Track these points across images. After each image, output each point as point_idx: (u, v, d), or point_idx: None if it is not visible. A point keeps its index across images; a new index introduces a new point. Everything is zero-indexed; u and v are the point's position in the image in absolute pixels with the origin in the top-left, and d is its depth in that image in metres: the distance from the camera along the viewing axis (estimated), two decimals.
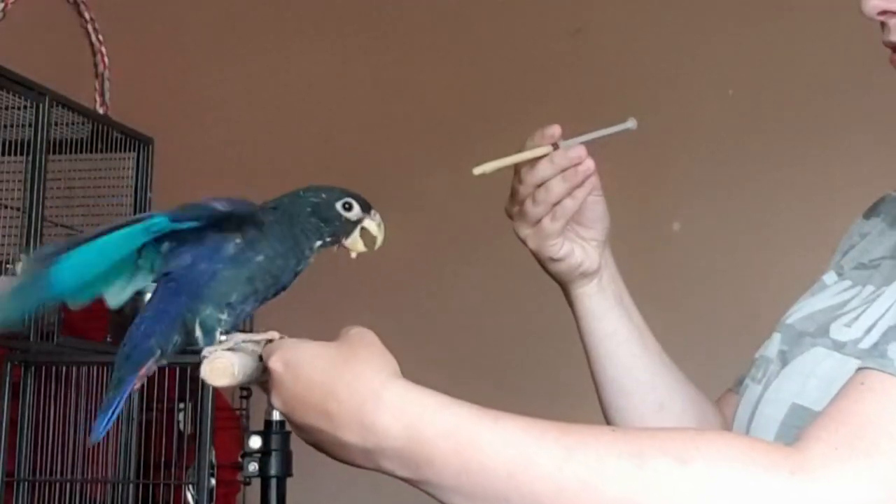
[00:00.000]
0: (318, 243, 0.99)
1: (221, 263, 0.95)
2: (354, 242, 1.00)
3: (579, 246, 1.14)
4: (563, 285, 1.17)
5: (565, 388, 3.17)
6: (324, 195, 0.99)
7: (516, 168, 1.13)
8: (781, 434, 0.90)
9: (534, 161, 1.10)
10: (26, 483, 2.26)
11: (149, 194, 2.60)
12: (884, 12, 0.92)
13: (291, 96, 3.45)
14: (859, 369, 0.75)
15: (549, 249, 1.12)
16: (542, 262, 1.15)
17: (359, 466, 0.83)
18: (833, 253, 1.09)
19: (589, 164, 1.10)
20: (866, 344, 0.87)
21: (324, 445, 0.83)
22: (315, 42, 3.47)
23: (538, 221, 1.11)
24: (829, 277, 1.01)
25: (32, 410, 2.29)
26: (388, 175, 3.34)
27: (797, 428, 0.88)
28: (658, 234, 3.17)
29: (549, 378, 3.11)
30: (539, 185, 1.10)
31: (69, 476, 2.30)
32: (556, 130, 1.11)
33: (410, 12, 3.43)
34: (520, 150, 1.12)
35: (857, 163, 2.77)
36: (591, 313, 1.15)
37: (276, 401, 0.86)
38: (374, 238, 1.00)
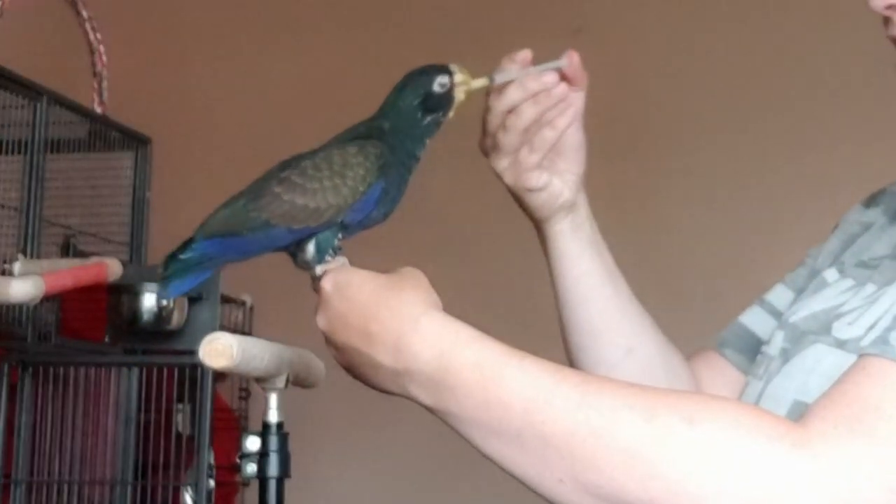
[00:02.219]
0: (436, 132, 1.07)
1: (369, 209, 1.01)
2: (460, 99, 1.08)
3: (557, 177, 1.11)
4: (539, 222, 1.16)
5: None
6: (421, 89, 1.08)
7: (486, 99, 1.11)
8: None
9: (501, 87, 1.09)
10: (23, 484, 2.26)
11: (147, 194, 2.60)
12: (891, 6, 0.92)
13: (290, 96, 3.44)
14: (861, 356, 0.77)
15: (527, 181, 1.10)
16: (519, 196, 1.14)
17: (386, 391, 0.87)
18: (831, 231, 1.10)
19: (563, 87, 1.07)
20: (867, 341, 0.87)
21: (357, 367, 0.88)
22: (314, 42, 3.46)
23: (515, 152, 1.09)
24: (831, 275, 1.02)
25: (30, 411, 2.28)
26: None
27: None
28: (658, 234, 3.17)
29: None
30: (509, 112, 1.08)
31: (67, 477, 2.29)
32: (527, 55, 1.11)
33: (410, 12, 3.43)
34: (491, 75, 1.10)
35: (859, 160, 2.76)
36: (565, 253, 1.15)
37: (320, 319, 0.90)
38: (466, 82, 1.09)
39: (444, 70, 1.08)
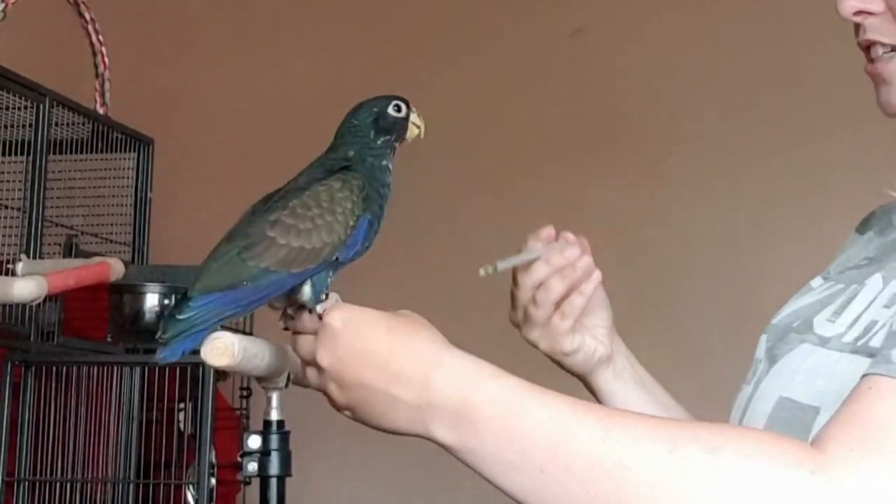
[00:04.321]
0: (392, 155, 1.07)
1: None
2: (412, 133, 1.10)
3: (589, 334, 1.17)
4: (583, 378, 1.20)
5: (567, 385, 3.17)
6: (374, 108, 1.07)
7: (513, 275, 1.17)
8: (770, 427, 0.93)
9: (528, 265, 1.15)
10: (27, 483, 2.27)
11: (149, 194, 2.61)
12: (860, 12, 0.94)
13: (292, 96, 3.45)
14: (866, 375, 0.78)
15: (562, 346, 1.16)
16: (557, 360, 1.18)
17: (397, 431, 0.87)
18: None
19: (587, 260, 1.15)
20: (849, 337, 0.90)
21: (368, 405, 0.88)
22: (315, 42, 3.47)
23: (546, 322, 1.14)
24: (816, 282, 1.04)
25: (33, 410, 2.29)
26: None
27: (784, 420, 0.92)
28: (658, 234, 3.17)
29: (551, 376, 3.11)
30: (538, 287, 1.14)
31: (69, 476, 2.30)
32: (550, 232, 1.18)
33: (410, 13, 3.43)
34: (519, 252, 1.17)
35: (855, 164, 2.77)
36: (613, 397, 1.18)
37: (324, 356, 0.89)
38: (419, 127, 1.10)
39: (399, 98, 1.09)
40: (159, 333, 0.98)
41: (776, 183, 3.09)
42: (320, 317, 0.93)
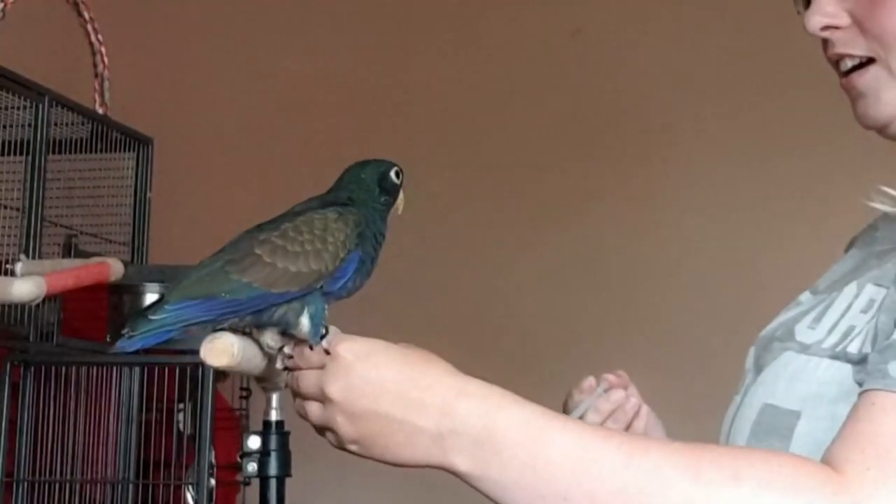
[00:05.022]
0: (387, 216, 1.09)
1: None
2: (401, 204, 1.11)
3: None
4: None
5: (568, 384, 3.17)
6: (381, 168, 1.10)
7: (565, 406, 1.21)
8: (754, 433, 0.94)
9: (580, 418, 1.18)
10: (25, 483, 2.26)
11: (148, 194, 2.61)
12: (827, 27, 0.95)
13: (291, 96, 3.45)
14: (866, 391, 0.79)
15: None
16: None
17: (411, 462, 0.87)
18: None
19: (634, 400, 1.18)
20: (828, 343, 0.91)
21: (382, 436, 0.87)
22: (315, 42, 3.47)
23: None
24: (805, 296, 1.05)
25: (32, 411, 2.29)
26: None
27: (766, 425, 0.93)
28: (657, 233, 3.17)
29: (553, 375, 3.11)
30: None
31: (69, 476, 2.30)
32: (591, 382, 1.19)
33: (410, 13, 3.43)
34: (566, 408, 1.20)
35: (855, 167, 2.77)
36: None
37: (335, 388, 0.89)
38: (402, 202, 1.12)
39: (397, 165, 1.12)
40: (126, 329, 0.99)
41: (776, 184, 3.09)
42: (327, 352, 0.92)
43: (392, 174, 1.10)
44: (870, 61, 0.94)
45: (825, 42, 0.97)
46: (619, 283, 3.15)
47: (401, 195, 1.11)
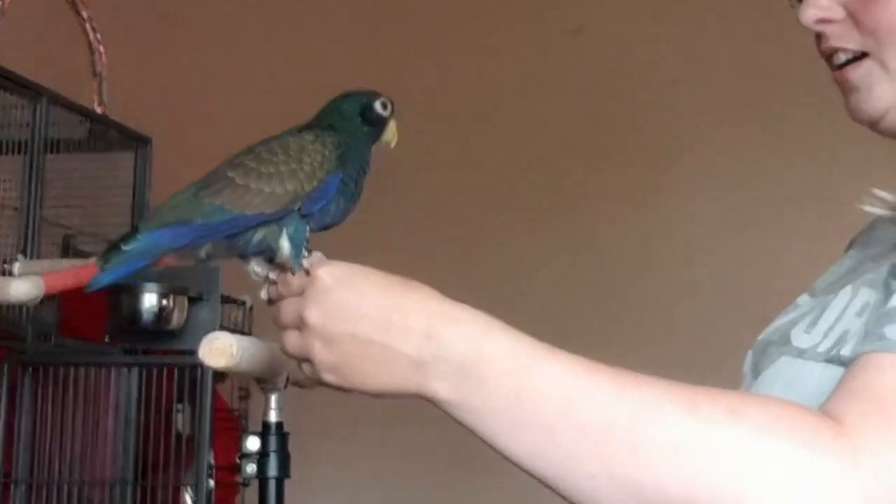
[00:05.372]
0: (372, 148, 1.06)
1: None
2: (388, 135, 1.08)
3: None
4: None
5: None
6: (364, 99, 1.07)
7: None
8: None
9: None
10: (23, 484, 2.26)
11: (147, 193, 2.60)
12: (821, 21, 0.95)
13: (291, 96, 3.44)
14: (861, 354, 0.77)
15: None
16: None
17: (388, 390, 0.83)
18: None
19: None
20: (823, 347, 0.90)
21: (360, 361, 0.84)
22: (315, 42, 3.46)
23: None
24: (803, 299, 1.04)
25: (30, 412, 2.28)
26: (387, 175, 3.32)
27: None
28: (656, 233, 3.17)
29: None
30: None
31: (67, 477, 2.29)
32: None
33: (410, 12, 3.43)
34: None
35: (859, 166, 2.77)
36: None
37: (313, 311, 0.85)
38: (393, 136, 1.09)
39: (383, 96, 1.09)
40: (98, 259, 0.96)
41: (777, 184, 3.09)
42: (307, 272, 0.89)
43: (377, 105, 1.07)
44: (863, 55, 0.94)
45: (818, 36, 0.97)
46: (618, 283, 3.15)
47: (391, 127, 1.08)
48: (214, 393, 2.33)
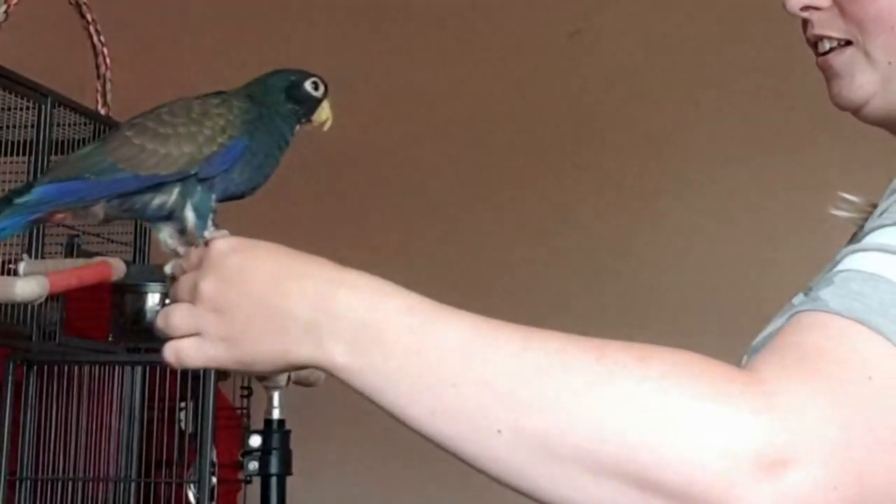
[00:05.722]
0: (297, 126, 1.02)
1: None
2: (319, 116, 1.04)
3: None
4: None
5: None
6: (292, 77, 1.04)
7: None
8: None
9: None
10: (28, 481, 2.28)
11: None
12: (806, 7, 0.95)
13: None
14: (795, 314, 0.76)
15: None
16: None
17: (280, 362, 0.79)
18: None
19: None
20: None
21: (252, 327, 0.80)
22: (314, 43, 3.48)
23: None
24: (798, 299, 1.04)
25: (35, 410, 2.30)
26: (387, 175, 3.35)
27: None
28: (655, 233, 3.18)
29: None
30: None
31: (71, 475, 2.31)
32: None
33: (411, 14, 3.44)
34: None
35: (852, 164, 2.78)
36: None
37: (207, 281, 0.81)
38: (326, 117, 1.04)
39: (320, 78, 1.06)
40: None
41: (774, 185, 3.10)
42: (206, 244, 0.84)
43: (307, 84, 1.04)
44: (847, 43, 0.94)
45: (804, 22, 0.97)
46: (617, 283, 3.16)
47: (324, 108, 1.04)
48: (217, 391, 2.34)
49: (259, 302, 0.79)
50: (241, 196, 0.98)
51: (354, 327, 0.75)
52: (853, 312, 0.71)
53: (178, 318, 0.83)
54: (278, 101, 1.02)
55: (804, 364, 0.70)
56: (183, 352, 0.83)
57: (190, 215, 0.93)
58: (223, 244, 0.83)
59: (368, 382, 0.75)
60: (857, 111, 0.97)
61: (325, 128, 1.05)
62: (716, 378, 0.69)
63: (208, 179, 0.95)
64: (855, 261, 0.77)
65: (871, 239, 0.78)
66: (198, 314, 0.82)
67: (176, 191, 0.94)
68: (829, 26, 0.95)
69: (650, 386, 0.69)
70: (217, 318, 0.81)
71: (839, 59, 0.95)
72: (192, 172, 0.94)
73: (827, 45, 0.96)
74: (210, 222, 0.93)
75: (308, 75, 1.05)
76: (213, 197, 0.95)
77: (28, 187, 0.94)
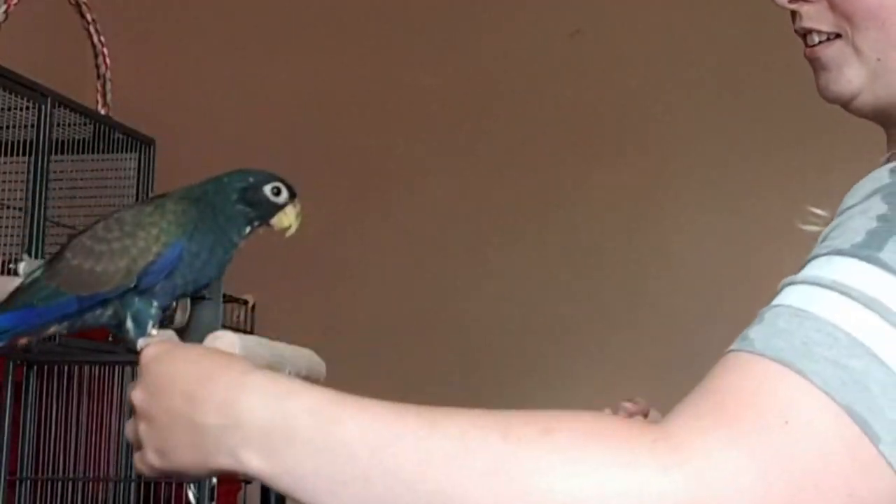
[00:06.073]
0: (247, 229, 1.00)
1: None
2: (280, 221, 1.01)
3: None
4: None
5: (568, 382, 3.18)
6: (251, 179, 1.00)
7: None
8: None
9: None
10: (29, 481, 2.28)
11: (150, 194, 2.62)
12: (796, 0, 0.94)
13: (292, 97, 3.46)
14: (725, 353, 0.74)
15: None
16: None
17: (205, 467, 0.81)
18: None
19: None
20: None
21: (175, 438, 0.82)
22: (316, 43, 3.48)
23: None
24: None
25: (35, 409, 2.30)
26: (387, 175, 3.35)
27: None
28: (656, 233, 3.18)
29: (551, 374, 3.12)
30: None
31: (71, 474, 2.31)
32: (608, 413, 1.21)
33: (410, 14, 3.44)
34: None
35: (855, 163, 2.78)
36: None
37: (136, 394, 0.84)
38: (289, 224, 1.01)
39: (282, 182, 1.01)
40: None
41: (774, 182, 3.10)
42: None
43: (267, 189, 1.00)
44: (836, 36, 0.93)
45: (793, 14, 0.96)
46: (618, 280, 3.17)
47: (286, 215, 1.01)
48: None
49: (176, 413, 0.81)
50: (194, 293, 1.00)
51: (262, 433, 0.76)
52: (776, 353, 0.70)
53: (128, 429, 0.87)
54: (228, 201, 0.99)
55: (719, 412, 0.68)
56: (136, 462, 0.87)
57: (129, 325, 0.95)
58: (149, 352, 0.85)
59: (287, 484, 0.75)
60: (845, 104, 0.95)
61: (288, 234, 1.02)
62: (623, 441, 0.68)
63: (149, 289, 0.96)
64: (786, 295, 0.75)
65: (805, 271, 0.76)
66: (136, 425, 0.85)
67: (117, 303, 0.95)
68: (818, 19, 0.93)
69: (557, 459, 0.68)
70: (148, 428, 0.84)
71: (827, 52, 0.93)
72: (132, 286, 0.95)
73: (816, 38, 0.94)
74: (150, 327, 0.94)
75: (270, 179, 1.00)
76: (155, 304, 0.96)
77: None
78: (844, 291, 0.71)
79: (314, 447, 0.74)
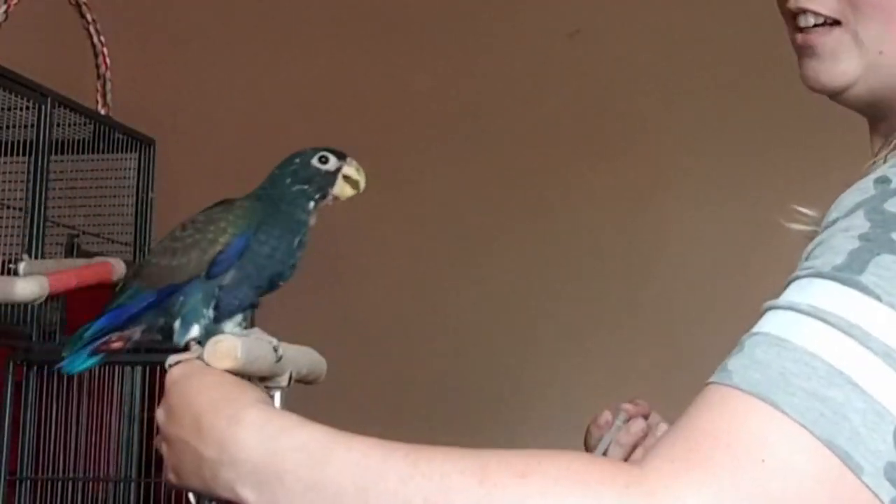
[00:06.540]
0: (311, 204, 1.04)
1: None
2: (342, 189, 1.05)
3: None
4: None
5: (567, 382, 3.19)
6: (297, 159, 1.06)
7: (586, 444, 1.22)
8: None
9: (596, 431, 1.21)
10: (29, 481, 2.28)
11: (150, 194, 2.62)
12: None
13: (292, 96, 3.46)
14: (706, 384, 0.73)
15: None
16: None
17: (211, 495, 0.83)
18: None
19: (663, 428, 1.17)
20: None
21: (185, 462, 0.85)
22: (316, 43, 3.48)
23: None
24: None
25: (35, 409, 2.30)
26: (387, 175, 3.35)
27: None
28: (654, 233, 3.18)
29: (551, 374, 3.12)
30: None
31: (71, 474, 2.31)
32: (607, 416, 1.20)
33: (410, 14, 3.44)
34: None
35: (855, 164, 2.78)
36: None
37: (160, 411, 0.89)
38: (356, 182, 1.06)
39: (329, 150, 1.07)
40: (64, 353, 1.06)
41: (774, 182, 3.10)
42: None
43: (314, 161, 1.05)
44: (835, 23, 0.87)
45: None
46: (617, 280, 3.17)
47: (347, 172, 1.06)
48: None
49: (185, 441, 0.85)
50: (274, 284, 1.03)
51: (255, 470, 0.79)
52: (752, 386, 0.69)
53: (156, 442, 0.92)
54: (284, 187, 1.05)
55: (692, 454, 0.68)
56: (164, 477, 0.91)
57: (176, 324, 1.01)
58: (174, 373, 0.90)
59: None
60: (834, 95, 0.91)
61: (360, 190, 1.06)
62: (596, 485, 0.69)
63: (216, 278, 1.01)
64: (766, 321, 0.74)
65: (786, 294, 0.75)
66: (161, 442, 0.90)
67: (181, 300, 1.01)
68: (817, 1, 0.88)
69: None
70: (167, 448, 0.89)
71: (823, 40, 0.88)
72: (201, 274, 1.00)
73: (811, 21, 0.88)
74: (195, 330, 1.00)
75: (314, 151, 1.06)
76: (213, 303, 1.01)
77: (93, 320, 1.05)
78: (823, 318, 0.70)
79: (304, 485, 0.77)
